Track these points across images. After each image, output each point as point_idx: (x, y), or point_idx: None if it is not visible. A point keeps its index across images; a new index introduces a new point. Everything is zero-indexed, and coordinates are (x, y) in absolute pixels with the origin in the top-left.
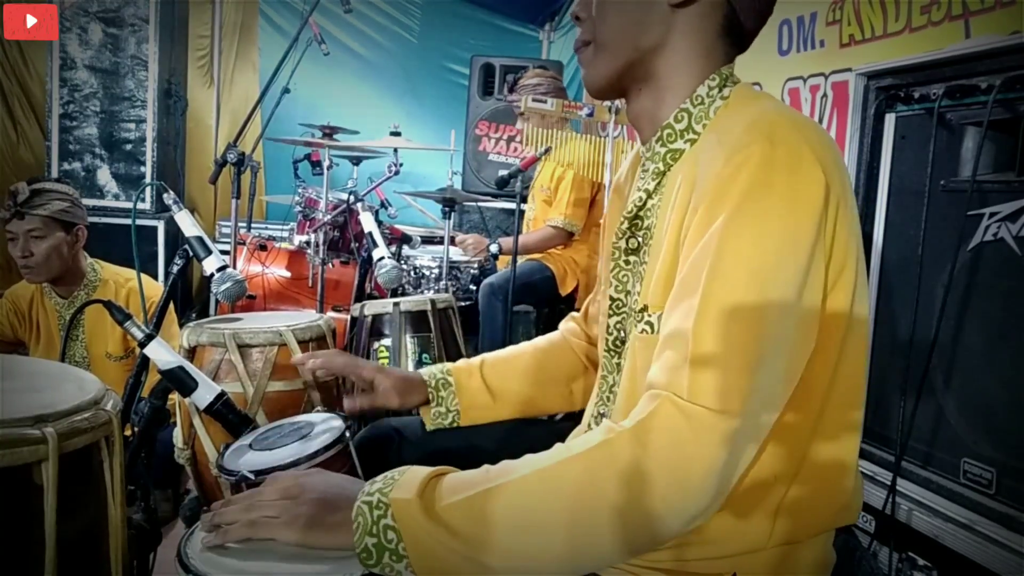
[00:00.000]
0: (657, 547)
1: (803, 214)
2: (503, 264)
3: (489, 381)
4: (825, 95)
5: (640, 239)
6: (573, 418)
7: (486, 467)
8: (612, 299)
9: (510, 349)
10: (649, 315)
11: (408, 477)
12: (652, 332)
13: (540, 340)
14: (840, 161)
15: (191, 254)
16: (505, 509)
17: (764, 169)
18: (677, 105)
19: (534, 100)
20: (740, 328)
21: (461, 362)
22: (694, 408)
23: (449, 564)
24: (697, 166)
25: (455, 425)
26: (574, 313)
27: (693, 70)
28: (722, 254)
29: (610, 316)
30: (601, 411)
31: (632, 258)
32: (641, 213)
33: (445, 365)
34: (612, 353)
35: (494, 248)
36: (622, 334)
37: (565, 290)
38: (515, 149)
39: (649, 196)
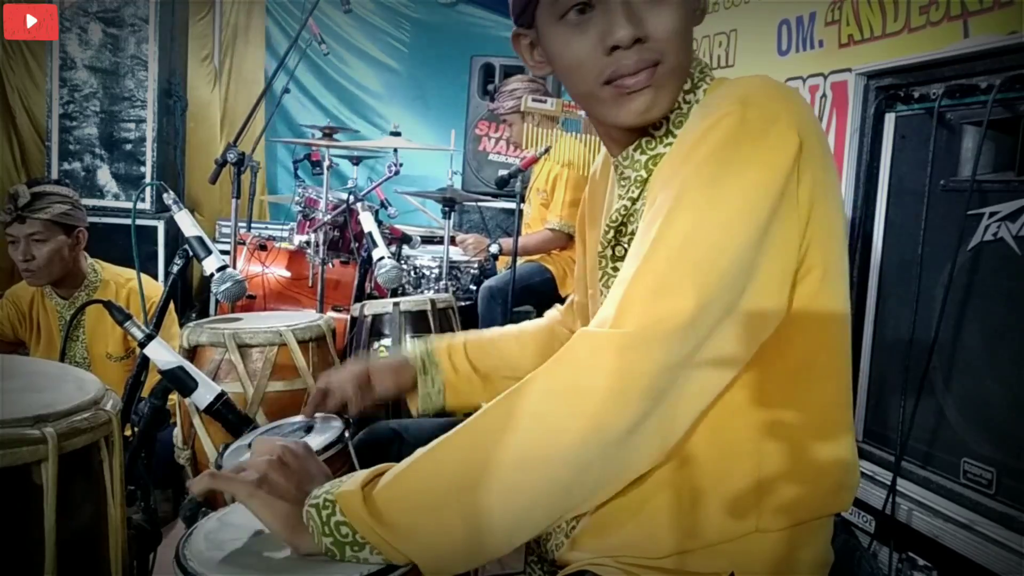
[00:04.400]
0: (582, 501)
1: (766, 175)
2: (503, 265)
3: (473, 359)
4: (824, 95)
5: (626, 246)
6: None
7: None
8: None
9: (494, 330)
10: None
11: (355, 475)
12: None
13: (527, 324)
14: (824, 142)
15: (191, 254)
16: (409, 491)
17: (734, 130)
18: None
19: (534, 100)
20: (677, 275)
21: (444, 340)
22: (596, 330)
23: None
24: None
25: (441, 406)
26: (558, 305)
27: None
28: (675, 209)
29: None
30: None
31: (619, 265)
32: (627, 219)
33: (427, 344)
34: None
35: (494, 248)
36: None
37: (565, 291)
38: (515, 149)
39: (634, 203)
